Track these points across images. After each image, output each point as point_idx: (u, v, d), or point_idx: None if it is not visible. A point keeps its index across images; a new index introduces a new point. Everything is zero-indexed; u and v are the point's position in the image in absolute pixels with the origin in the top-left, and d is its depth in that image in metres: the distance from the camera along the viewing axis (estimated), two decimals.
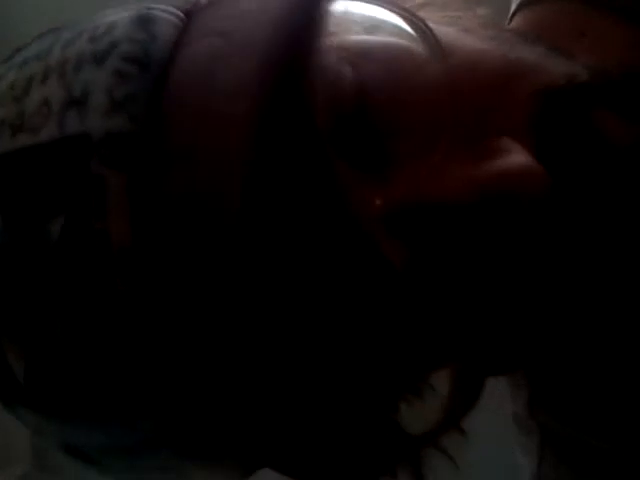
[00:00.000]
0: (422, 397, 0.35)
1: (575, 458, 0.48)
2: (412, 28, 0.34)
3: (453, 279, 0.33)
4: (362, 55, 0.33)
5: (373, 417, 0.34)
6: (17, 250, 0.30)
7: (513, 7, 0.50)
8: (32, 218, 0.29)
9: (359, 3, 0.35)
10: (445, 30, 0.36)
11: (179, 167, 0.29)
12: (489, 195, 0.31)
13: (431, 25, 0.34)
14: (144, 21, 0.32)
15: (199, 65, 0.31)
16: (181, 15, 0.34)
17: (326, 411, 0.32)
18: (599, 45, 0.45)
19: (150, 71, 0.31)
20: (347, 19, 0.34)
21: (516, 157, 0.32)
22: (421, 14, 0.36)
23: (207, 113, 0.29)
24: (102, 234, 0.28)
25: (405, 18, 0.34)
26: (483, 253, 0.33)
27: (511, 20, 0.50)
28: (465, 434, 0.38)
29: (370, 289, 0.30)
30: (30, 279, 0.29)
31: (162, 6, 0.34)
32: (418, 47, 0.33)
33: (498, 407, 0.53)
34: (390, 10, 0.35)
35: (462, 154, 0.32)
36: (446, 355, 0.35)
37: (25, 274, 0.30)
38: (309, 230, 0.29)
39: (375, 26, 0.35)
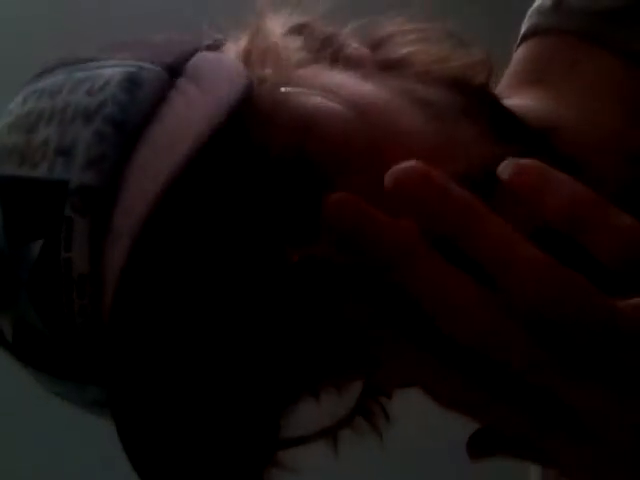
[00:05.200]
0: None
1: None
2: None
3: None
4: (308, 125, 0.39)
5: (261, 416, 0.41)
6: (7, 254, 0.39)
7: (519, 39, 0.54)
8: (22, 233, 0.39)
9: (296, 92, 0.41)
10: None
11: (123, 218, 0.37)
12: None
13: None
14: (131, 82, 0.39)
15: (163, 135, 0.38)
16: (165, 76, 0.40)
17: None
18: (590, 73, 0.48)
19: (124, 134, 0.38)
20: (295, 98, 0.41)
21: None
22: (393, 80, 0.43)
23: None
24: (67, 262, 0.37)
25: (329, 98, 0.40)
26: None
27: (516, 50, 0.53)
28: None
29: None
30: (14, 278, 0.39)
31: (150, 66, 0.40)
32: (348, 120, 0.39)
33: None
34: (319, 94, 0.41)
35: None
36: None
37: (11, 275, 0.39)
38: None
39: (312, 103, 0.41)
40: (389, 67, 0.46)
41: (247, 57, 0.42)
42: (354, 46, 0.46)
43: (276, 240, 0.38)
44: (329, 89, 0.41)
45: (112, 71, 0.40)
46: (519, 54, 0.52)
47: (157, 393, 0.37)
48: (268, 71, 0.41)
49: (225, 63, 0.42)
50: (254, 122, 0.38)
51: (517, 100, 0.49)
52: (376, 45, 0.47)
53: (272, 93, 0.40)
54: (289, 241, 0.38)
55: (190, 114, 0.38)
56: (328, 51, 0.45)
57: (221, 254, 0.37)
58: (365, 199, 0.33)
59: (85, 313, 0.38)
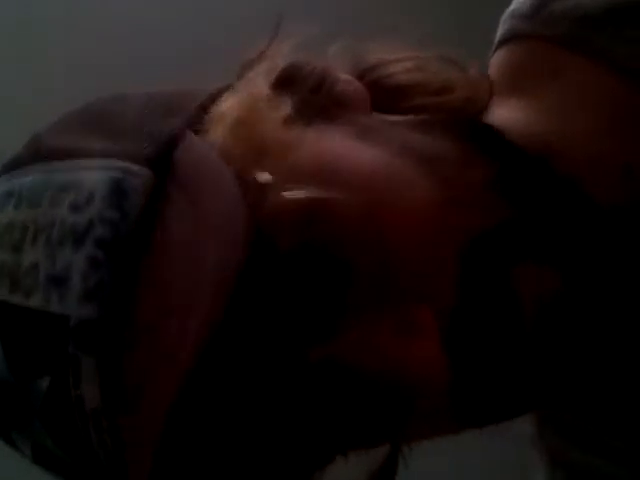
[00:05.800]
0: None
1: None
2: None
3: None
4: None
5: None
6: (15, 385, 0.37)
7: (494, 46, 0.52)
8: (26, 368, 0.37)
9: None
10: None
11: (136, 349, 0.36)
12: (397, 374, 0.39)
13: None
14: (117, 194, 0.36)
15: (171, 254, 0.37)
16: (151, 178, 0.37)
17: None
18: (575, 82, 0.47)
19: (118, 259, 0.36)
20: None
21: (424, 347, 0.39)
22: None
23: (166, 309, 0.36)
24: (78, 398, 0.36)
25: None
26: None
27: (492, 56, 0.52)
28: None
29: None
30: (26, 405, 0.37)
31: (134, 168, 0.37)
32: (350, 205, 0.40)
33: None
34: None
35: (388, 321, 0.39)
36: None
37: (22, 402, 0.37)
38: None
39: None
40: (384, 102, 0.45)
41: (243, 157, 0.40)
42: (344, 79, 0.45)
43: (295, 350, 0.39)
44: (327, 170, 0.41)
45: (94, 178, 0.37)
46: (496, 60, 0.51)
47: None
48: (266, 176, 0.40)
49: (216, 173, 0.40)
50: (258, 229, 0.38)
51: (500, 112, 0.47)
52: (367, 73, 0.46)
53: (274, 201, 0.39)
54: (307, 342, 0.39)
55: (192, 262, 0.37)
56: (319, 100, 0.44)
57: (252, 378, 0.38)
58: (378, 274, 0.39)
59: (105, 445, 0.37)
